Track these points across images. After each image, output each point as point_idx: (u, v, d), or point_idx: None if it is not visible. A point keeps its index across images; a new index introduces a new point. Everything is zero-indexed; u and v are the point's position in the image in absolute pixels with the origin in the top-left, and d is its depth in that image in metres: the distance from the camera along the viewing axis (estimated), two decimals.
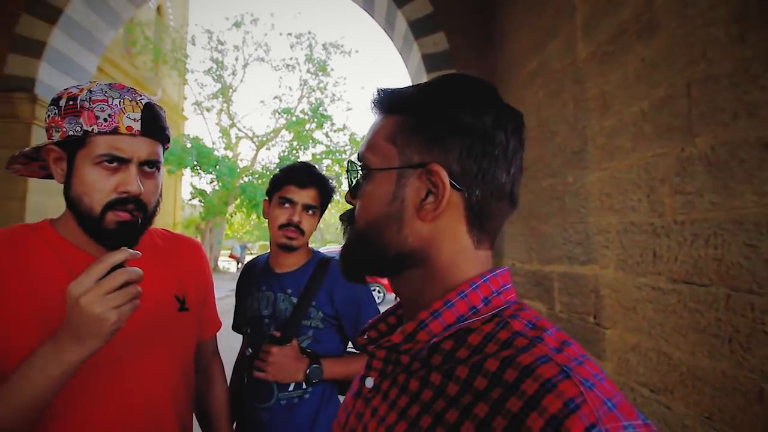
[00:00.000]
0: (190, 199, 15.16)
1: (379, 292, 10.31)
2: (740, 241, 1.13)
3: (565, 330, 2.16)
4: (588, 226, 1.89)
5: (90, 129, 0.68)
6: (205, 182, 14.48)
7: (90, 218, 0.69)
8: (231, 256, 18.84)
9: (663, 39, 1.46)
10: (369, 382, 0.45)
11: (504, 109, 0.45)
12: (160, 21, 13.22)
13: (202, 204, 14.75)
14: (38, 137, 3.12)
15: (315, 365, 1.08)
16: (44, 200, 3.18)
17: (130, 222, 0.71)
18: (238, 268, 18.59)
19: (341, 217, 0.50)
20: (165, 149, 0.80)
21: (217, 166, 13.45)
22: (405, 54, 3.86)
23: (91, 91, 0.70)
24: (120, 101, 0.70)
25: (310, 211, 1.18)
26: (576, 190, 2.00)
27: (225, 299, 9.94)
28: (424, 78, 3.51)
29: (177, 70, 14.07)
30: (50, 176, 0.80)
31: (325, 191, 1.20)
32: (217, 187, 14.26)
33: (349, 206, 0.50)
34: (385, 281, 10.15)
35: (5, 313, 0.65)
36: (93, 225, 0.70)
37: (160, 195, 0.79)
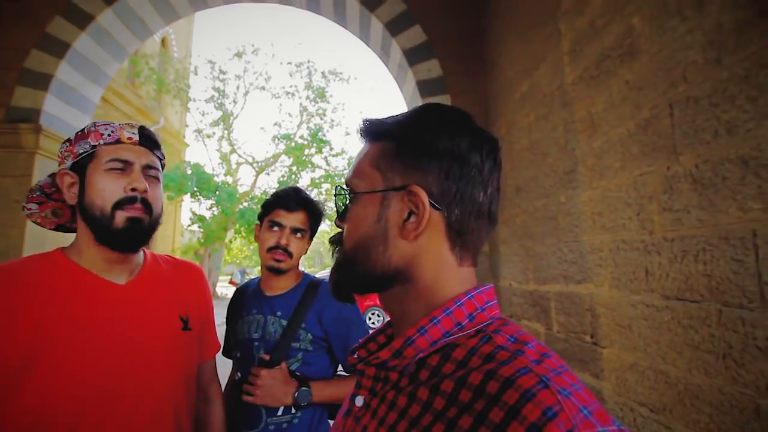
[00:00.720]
0: (189, 225, 15.17)
1: (378, 315, 10.19)
2: (728, 256, 1.14)
3: (563, 351, 2.14)
4: (581, 244, 1.90)
5: (97, 143, 0.81)
6: (205, 208, 14.55)
7: (102, 219, 0.77)
8: (231, 282, 18.67)
9: (645, 63, 1.52)
10: (359, 401, 0.46)
11: (478, 133, 0.47)
12: (164, 52, 13.62)
13: (201, 230, 14.77)
14: (42, 167, 3.17)
15: (304, 388, 1.07)
16: (43, 229, 3.20)
17: (138, 219, 0.79)
18: None
19: (331, 240, 0.53)
20: (162, 166, 0.89)
21: (217, 192, 13.55)
22: (400, 80, 3.97)
23: (95, 123, 0.84)
24: (119, 125, 0.84)
25: (299, 234, 1.20)
26: (569, 209, 2.02)
27: (223, 325, 9.79)
28: (419, 103, 3.61)
29: (179, 99, 14.38)
30: (62, 227, 0.89)
31: (314, 215, 1.23)
32: (216, 213, 14.32)
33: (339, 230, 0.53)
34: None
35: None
36: (104, 226, 0.77)
37: (161, 212, 0.86)
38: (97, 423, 0.72)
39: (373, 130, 0.50)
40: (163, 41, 13.76)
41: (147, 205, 0.80)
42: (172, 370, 0.83)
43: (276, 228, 1.19)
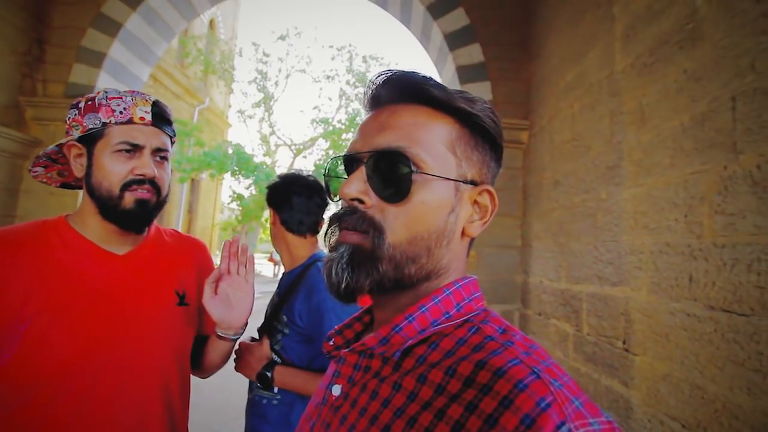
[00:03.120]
0: (229, 203, 15.74)
1: None
2: None
3: (592, 354, 2.05)
4: (620, 245, 1.79)
5: (108, 120, 0.77)
6: (243, 187, 15.03)
7: (110, 200, 0.76)
8: (270, 260, 19.30)
9: (707, 50, 1.38)
10: (336, 390, 0.44)
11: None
12: (211, 34, 14.01)
13: (240, 208, 15.29)
14: None
15: (266, 371, 1.05)
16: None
17: (146, 201, 0.78)
18: (275, 270, 18.93)
19: (345, 222, 0.41)
20: (172, 143, 0.86)
21: (256, 172, 13.96)
22: (440, 65, 3.87)
23: (106, 92, 0.80)
24: (132, 98, 0.80)
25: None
26: (609, 207, 1.90)
27: (257, 301, 10.19)
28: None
29: (224, 80, 14.80)
30: (67, 185, 0.89)
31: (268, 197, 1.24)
32: (254, 192, 14.77)
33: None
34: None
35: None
36: (113, 206, 0.76)
37: (168, 192, 0.85)
38: (78, 394, 0.71)
39: (445, 101, 0.41)
40: (211, 23, 14.14)
41: (155, 186, 0.79)
42: (162, 343, 0.82)
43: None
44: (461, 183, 0.42)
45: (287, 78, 17.33)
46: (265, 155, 16.29)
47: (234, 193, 15.34)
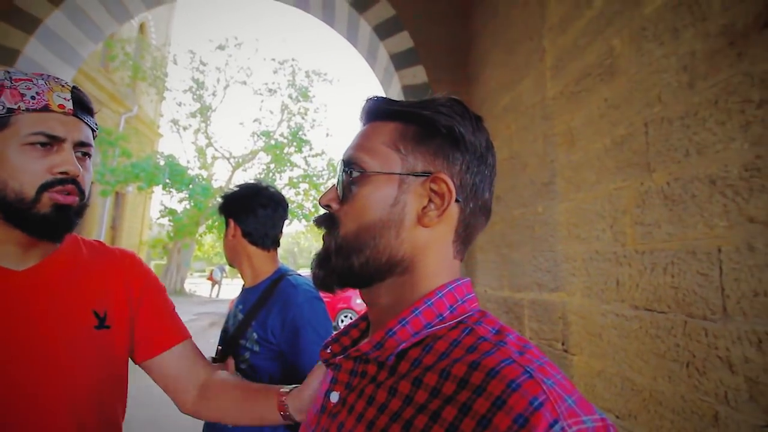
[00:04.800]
0: (158, 218, 14.64)
1: (351, 318, 10.14)
2: (694, 270, 1.20)
3: None
4: (556, 254, 1.96)
5: (15, 106, 0.63)
6: (176, 201, 14.10)
7: (19, 203, 0.63)
8: (209, 279, 17.96)
9: (623, 82, 1.59)
10: (334, 397, 0.45)
11: (486, 130, 0.49)
12: (141, 38, 13.17)
13: (172, 223, 14.30)
14: None
15: None
16: None
17: (68, 207, 0.66)
18: (214, 291, 17.66)
19: (317, 222, 0.48)
20: (94, 137, 0.74)
21: (191, 185, 13.18)
22: (386, 84, 3.99)
23: (9, 71, 0.66)
24: (45, 82, 0.66)
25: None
26: (545, 219, 2.08)
27: (190, 323, 9.51)
28: None
29: (155, 87, 13.93)
30: None
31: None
32: (188, 207, 13.90)
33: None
34: (356, 306, 9.83)
35: None
36: (22, 210, 0.63)
37: (90, 194, 0.73)
38: None
39: (389, 109, 0.47)
40: (141, 27, 13.30)
41: (79, 188, 0.67)
42: (74, 375, 0.68)
43: None
44: (405, 176, 0.44)
45: (226, 89, 16.75)
46: (201, 168, 15.47)
47: (165, 207, 14.31)
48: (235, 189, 1.20)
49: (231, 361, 1.02)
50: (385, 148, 0.46)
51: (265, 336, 1.04)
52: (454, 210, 0.45)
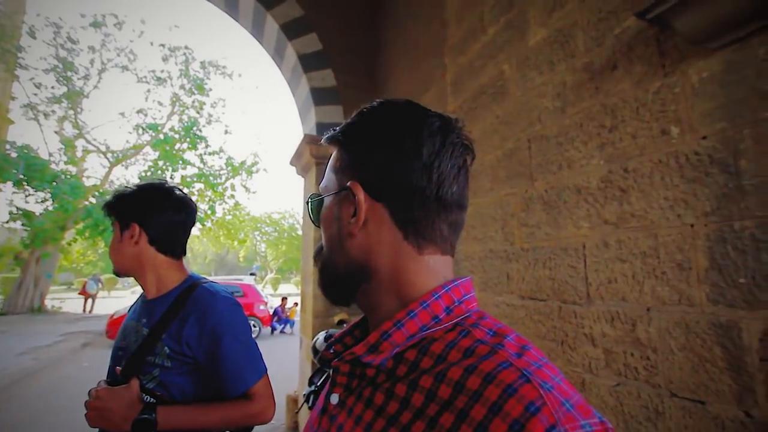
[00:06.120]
0: (7, 222, 12.07)
1: (254, 326, 9.66)
2: (566, 263, 1.45)
3: None
4: (457, 253, 2.15)
5: None
6: (35, 201, 11.84)
7: None
8: (82, 293, 15.21)
9: (512, 102, 1.83)
10: (334, 398, 0.44)
11: (418, 118, 0.45)
12: None
13: (27, 228, 11.96)
14: None
15: (145, 416, 0.87)
16: None
17: None
18: (87, 306, 15.04)
19: (315, 256, 0.52)
20: None
21: (55, 183, 11.20)
22: (293, 84, 3.93)
23: None
24: None
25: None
26: None
27: (55, 345, 8.06)
28: (311, 109, 3.62)
29: (4, 63, 11.55)
30: None
31: (109, 211, 1.07)
32: (51, 208, 11.77)
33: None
34: (258, 313, 9.61)
35: None
36: None
37: None
38: None
39: (330, 137, 0.51)
40: None
41: None
42: None
43: None
44: (339, 192, 0.47)
45: (102, 73, 14.63)
46: (68, 163, 13.23)
47: (17, 209, 11.95)
48: (135, 188, 1.06)
49: (135, 382, 0.92)
50: (330, 173, 0.51)
51: (179, 349, 0.96)
52: (381, 211, 0.44)
